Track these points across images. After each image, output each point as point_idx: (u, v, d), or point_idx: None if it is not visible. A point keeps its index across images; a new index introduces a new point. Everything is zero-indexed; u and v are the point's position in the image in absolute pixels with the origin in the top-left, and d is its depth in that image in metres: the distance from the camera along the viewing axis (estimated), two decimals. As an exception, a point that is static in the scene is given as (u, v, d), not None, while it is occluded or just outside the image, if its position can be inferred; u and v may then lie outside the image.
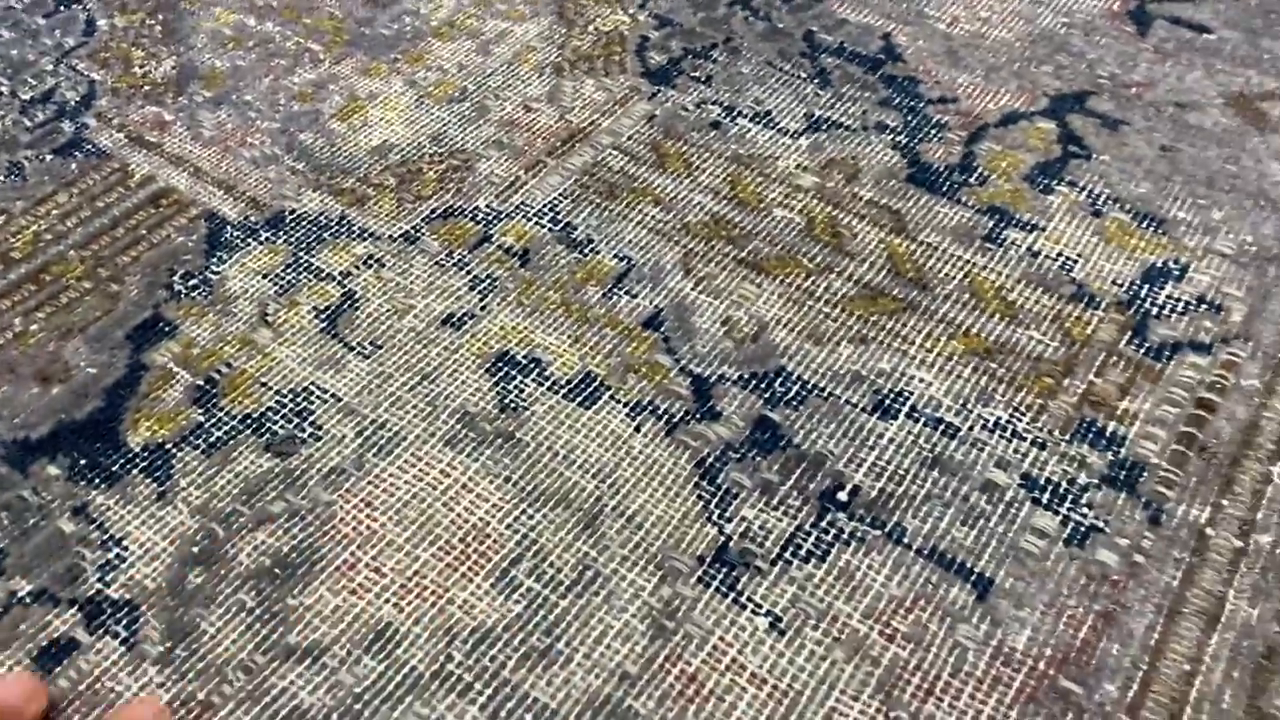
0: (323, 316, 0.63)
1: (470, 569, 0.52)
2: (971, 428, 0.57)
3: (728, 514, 0.53)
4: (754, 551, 0.52)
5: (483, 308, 0.63)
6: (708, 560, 0.52)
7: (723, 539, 0.52)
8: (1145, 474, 0.55)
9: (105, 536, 0.53)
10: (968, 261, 0.65)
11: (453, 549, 0.52)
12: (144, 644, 0.50)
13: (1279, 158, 0.71)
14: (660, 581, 0.51)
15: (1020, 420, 0.57)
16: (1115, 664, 0.48)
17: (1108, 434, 0.56)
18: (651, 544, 0.52)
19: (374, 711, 0.47)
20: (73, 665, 0.49)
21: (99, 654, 0.49)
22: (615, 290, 0.64)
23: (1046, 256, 0.65)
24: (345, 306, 0.63)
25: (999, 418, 0.57)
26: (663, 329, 0.62)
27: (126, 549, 0.53)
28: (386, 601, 0.51)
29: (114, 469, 0.56)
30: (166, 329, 0.62)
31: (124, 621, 0.50)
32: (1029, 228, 0.67)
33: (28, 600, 0.51)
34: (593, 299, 0.63)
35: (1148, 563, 0.51)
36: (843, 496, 0.54)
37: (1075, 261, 0.65)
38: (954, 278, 0.64)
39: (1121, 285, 0.64)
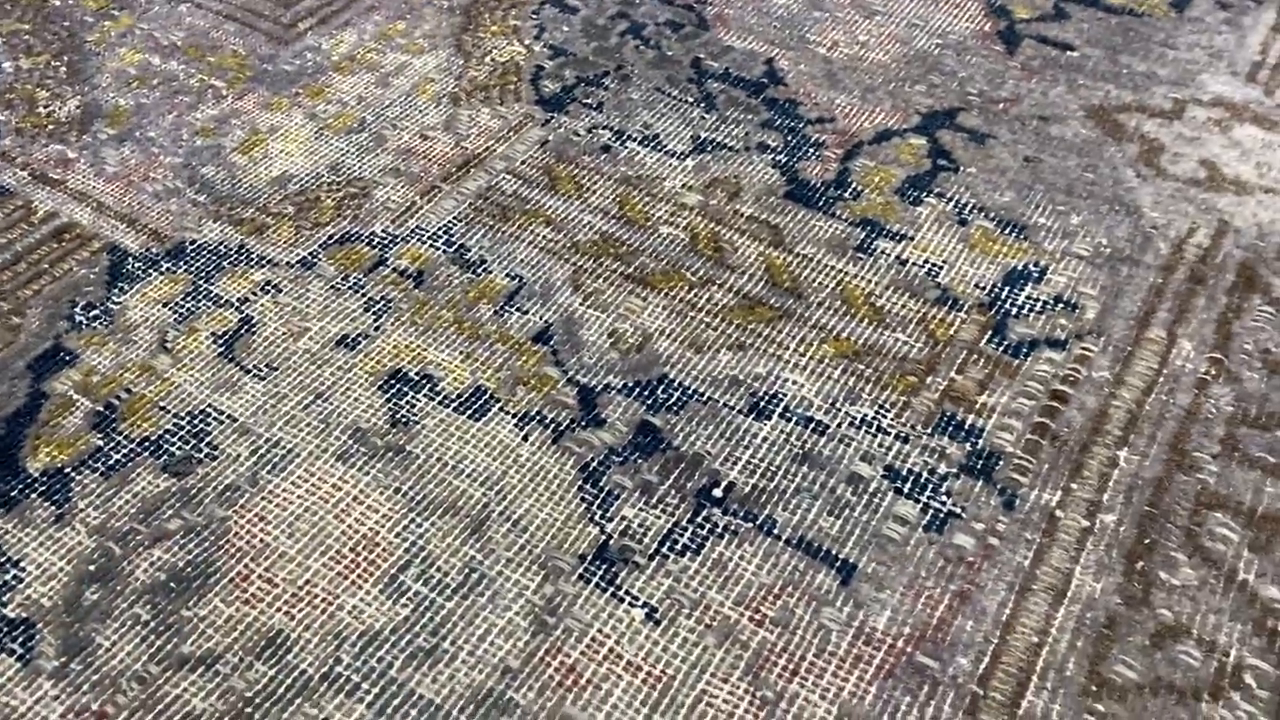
0: (221, 341, 0.65)
1: (360, 576, 0.54)
2: (840, 425, 0.60)
3: (609, 514, 0.56)
4: (633, 548, 0.55)
5: (376, 328, 0.66)
6: (589, 558, 0.54)
7: (604, 537, 0.55)
8: (1001, 463, 0.58)
9: (2, 559, 0.55)
10: (840, 270, 0.69)
11: (343, 558, 0.54)
12: (39, 659, 0.51)
13: (1133, 165, 0.76)
14: (543, 580, 0.54)
15: (885, 416, 0.60)
16: (969, 639, 0.51)
17: (966, 426, 0.60)
18: (536, 546, 0.55)
19: (265, 714, 0.49)
20: (-31, 684, 0.50)
21: (-5, 672, 0.51)
22: (507, 307, 0.67)
23: (914, 264, 0.69)
24: (243, 331, 0.65)
25: (865, 415, 0.61)
26: (551, 342, 0.65)
27: (24, 570, 0.54)
28: (278, 610, 0.53)
29: (12, 494, 0.57)
30: (67, 358, 0.64)
31: (20, 639, 0.52)
32: (898, 237, 0.71)
33: (-75, 624, 0.52)
34: (485, 316, 0.66)
35: (1001, 544, 0.55)
36: (718, 493, 0.57)
37: (941, 267, 0.69)
38: (827, 286, 0.68)
39: (984, 288, 0.67)
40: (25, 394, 0.62)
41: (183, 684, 0.50)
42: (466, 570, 0.54)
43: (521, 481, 0.58)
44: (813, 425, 0.60)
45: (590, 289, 0.68)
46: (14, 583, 0.54)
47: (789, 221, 0.72)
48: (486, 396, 0.62)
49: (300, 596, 0.53)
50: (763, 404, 0.61)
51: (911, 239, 0.71)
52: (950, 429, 0.60)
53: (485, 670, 0.50)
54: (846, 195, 0.74)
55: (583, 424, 0.60)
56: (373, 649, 0.51)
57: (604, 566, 0.54)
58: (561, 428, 0.60)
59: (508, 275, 0.69)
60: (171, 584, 0.54)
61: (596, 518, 0.56)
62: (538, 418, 0.61)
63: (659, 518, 0.56)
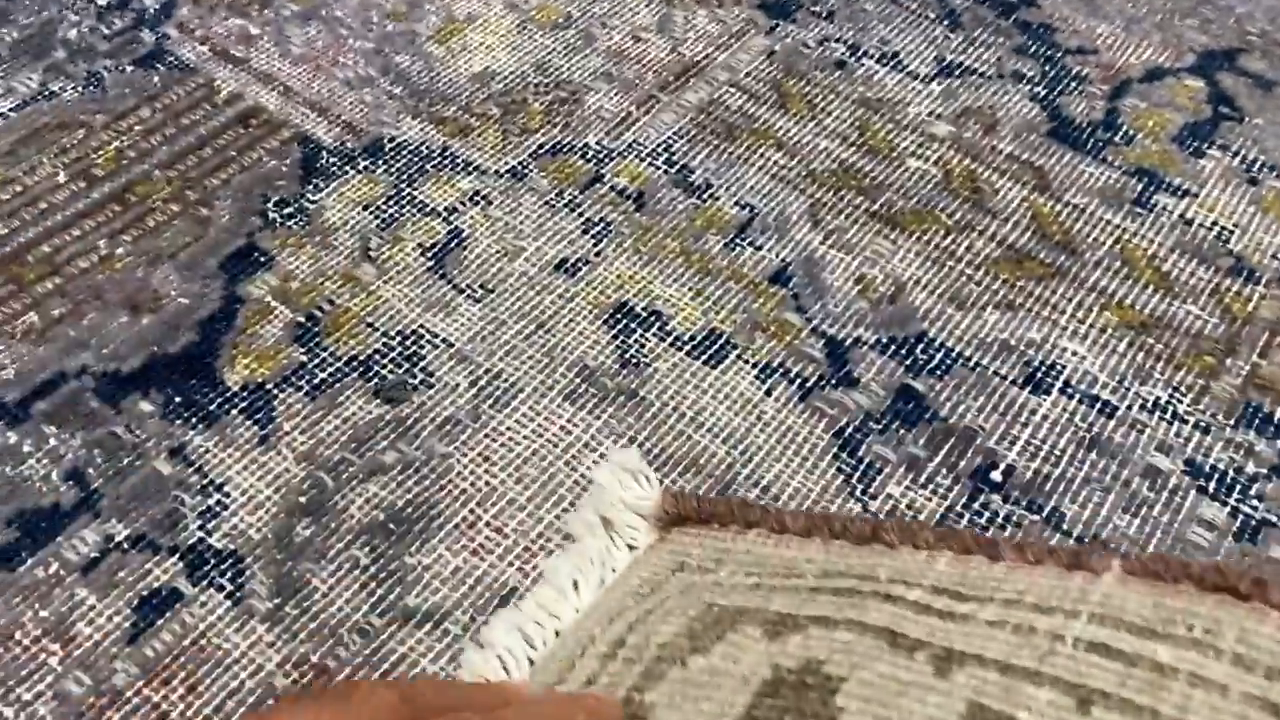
0: (429, 255, 0.59)
1: (598, 535, 0.48)
2: (1130, 407, 0.53)
3: (872, 490, 0.50)
4: (902, 531, 0.48)
5: (597, 253, 0.59)
6: (852, 538, 0.48)
7: (867, 515, 0.49)
8: (1318, 467, 0.51)
9: (205, 481, 0.50)
10: (1117, 226, 0.61)
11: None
12: (251, 599, 0.46)
13: None
14: (802, 559, 0.48)
15: (1181, 401, 0.53)
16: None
17: (1277, 421, 0.52)
18: (791, 518, 0.49)
19: (501, 685, 0.44)
20: (176, 619, 0.46)
21: (204, 607, 0.46)
22: (738, 241, 0.60)
23: (1200, 225, 0.61)
24: (452, 245, 0.59)
25: (1158, 397, 0.53)
26: (791, 284, 0.58)
27: (228, 495, 0.50)
28: (510, 565, 0.47)
29: (211, 408, 0.53)
30: (262, 259, 0.59)
31: (229, 574, 0.47)
32: (1181, 193, 0.62)
33: (125, 546, 0.48)
34: (714, 249, 0.59)
35: (1324, 563, 0.48)
36: (996, 476, 0.50)
37: (1232, 232, 0.61)
38: (1104, 243, 0.60)
39: (1282, 260, 0.59)
40: (219, 296, 0.57)
41: (409, 641, 0.45)
42: (714, 539, 0.48)
43: (768, 442, 0.51)
44: (1099, 405, 0.53)
45: (831, 226, 0.61)
46: (218, 509, 0.49)
47: (1054, 164, 0.64)
48: (722, 341, 0.55)
49: (534, 551, 0.48)
50: (1040, 376, 0.54)
51: (1196, 196, 0.62)
52: (1258, 422, 0.52)
53: (742, 657, 0.45)
54: (1117, 139, 0.65)
55: (833, 382, 0.54)
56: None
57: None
58: (809, 384, 0.54)
59: (737, 204, 0.62)
60: (391, 525, 0.49)
61: (858, 493, 0.50)
62: (781, 370, 0.54)
63: (930, 499, 0.49)
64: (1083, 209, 0.61)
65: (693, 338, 0.55)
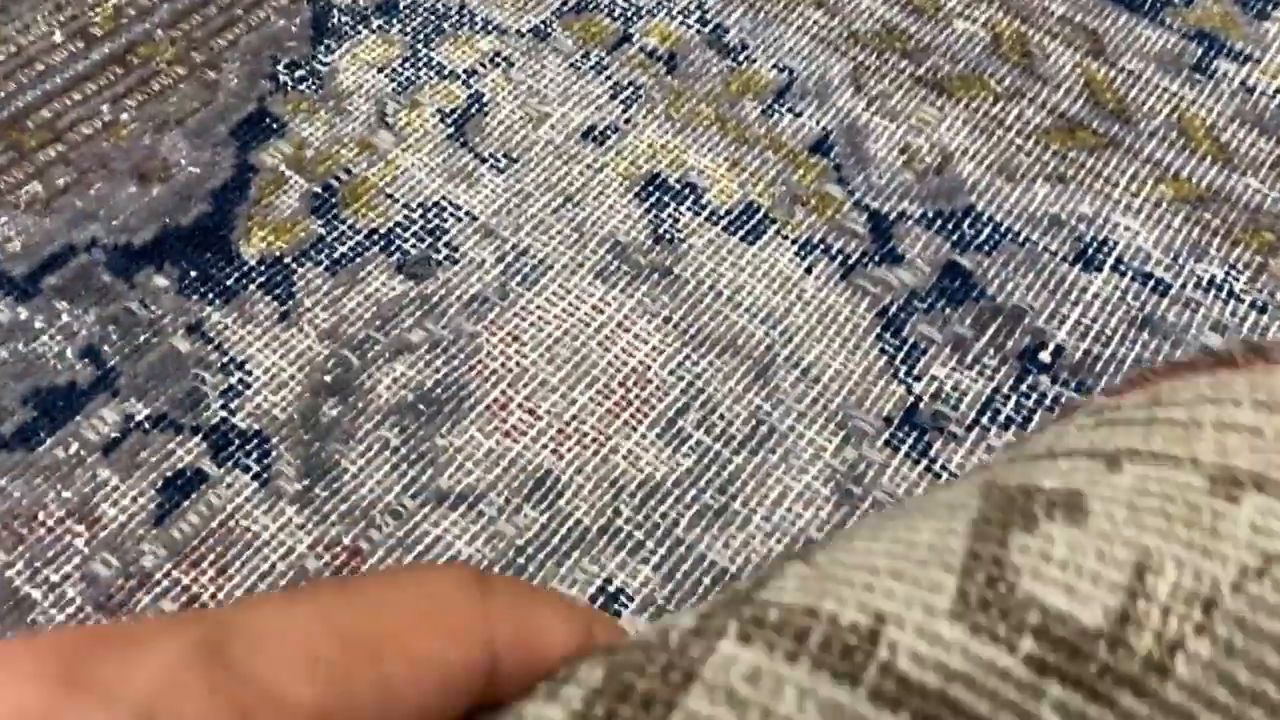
0: (449, 121, 0.56)
1: (633, 417, 0.47)
2: (1184, 285, 0.51)
3: (916, 372, 0.48)
4: (947, 415, 0.47)
5: (627, 120, 0.56)
6: (895, 422, 0.47)
7: (911, 399, 0.47)
8: (1378, 349, 0.49)
9: (225, 359, 0.48)
10: (1174, 94, 0.57)
11: (612, 393, 0.47)
12: (279, 480, 0.45)
13: None
14: (843, 442, 0.46)
15: (1237, 280, 0.51)
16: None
17: (1335, 301, 0.51)
18: (831, 400, 0.47)
19: (539, 566, 0.43)
20: (202, 500, 0.45)
21: (230, 489, 0.45)
22: (776, 106, 0.57)
23: (1263, 93, 0.58)
24: (473, 110, 0.56)
25: (1214, 275, 0.51)
26: (833, 155, 0.55)
27: (250, 374, 0.48)
28: (544, 447, 0.46)
29: (228, 283, 0.51)
30: (274, 126, 0.56)
31: (254, 454, 0.46)
32: (1242, 58, 0.59)
33: (147, 426, 0.47)
34: (751, 115, 0.56)
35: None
36: (1045, 357, 0.48)
37: (1295, 100, 0.57)
38: (1160, 112, 0.57)
39: (1347, 130, 0.56)
40: (231, 165, 0.54)
41: (443, 523, 0.44)
42: (753, 421, 0.47)
43: (809, 322, 0.50)
44: (1152, 283, 0.51)
45: (875, 91, 0.57)
46: (241, 388, 0.48)
47: (1109, 26, 0.60)
48: (760, 215, 0.53)
49: (567, 434, 0.46)
50: (1091, 252, 0.52)
51: (1258, 62, 0.59)
52: (1315, 302, 0.50)
53: (783, 539, 0.44)
54: (1176, 0, 0.61)
55: (876, 259, 0.52)
56: (655, 502, 0.45)
57: (914, 433, 0.47)
58: (851, 261, 0.51)
59: (775, 66, 0.58)
60: (420, 406, 0.47)
61: (901, 375, 0.48)
62: (822, 246, 0.52)
63: (976, 381, 0.48)
64: (1138, 75, 0.58)
65: (729, 211, 0.53)
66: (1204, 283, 0.51)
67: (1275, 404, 0.28)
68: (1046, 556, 0.23)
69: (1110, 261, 0.51)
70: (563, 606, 0.23)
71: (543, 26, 0.60)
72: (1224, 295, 0.51)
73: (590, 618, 0.23)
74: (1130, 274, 0.51)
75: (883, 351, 0.49)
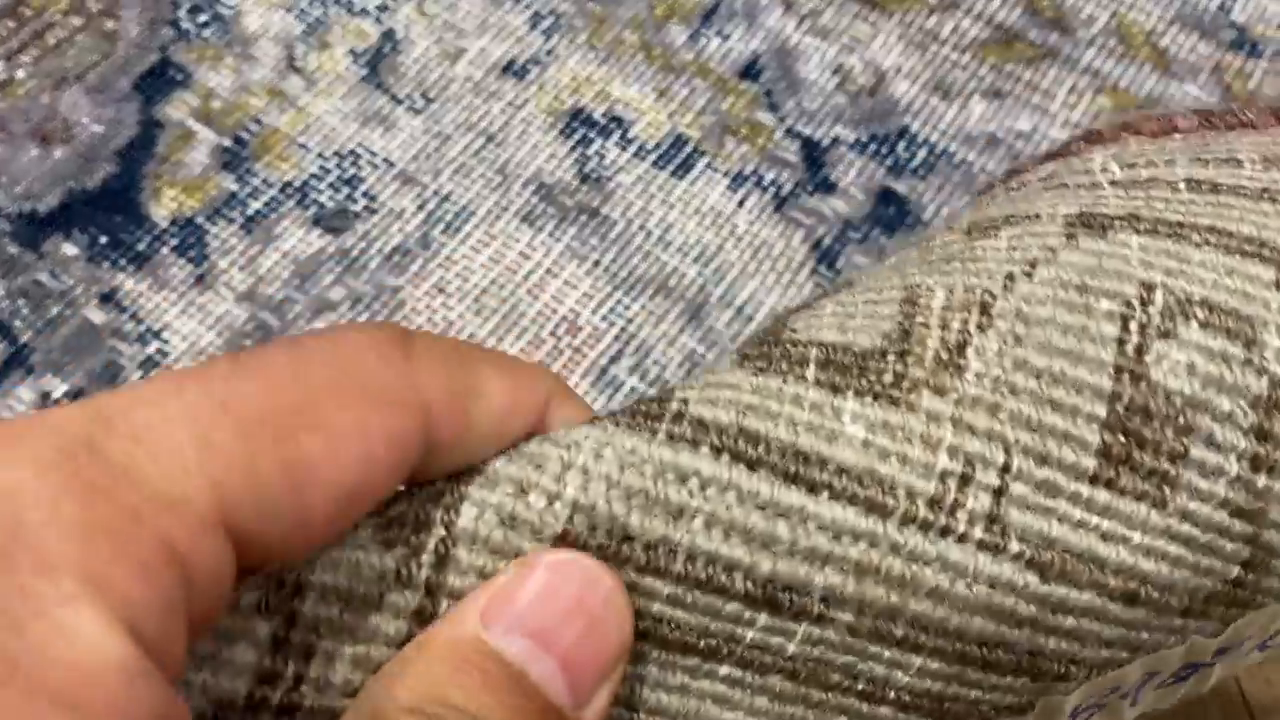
0: (361, 61, 0.53)
1: (565, 366, 0.46)
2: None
3: (851, 304, 0.47)
4: (883, 347, 0.46)
5: (548, 52, 0.54)
6: (831, 357, 0.46)
7: (847, 333, 0.47)
8: (1317, 257, 0.49)
9: (142, 328, 0.47)
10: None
11: (543, 343, 0.46)
12: (204, 451, 0.44)
13: None
14: (779, 381, 0.46)
15: (1176, 193, 0.50)
16: None
17: (1274, 209, 0.50)
18: (767, 338, 0.46)
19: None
20: (127, 475, 0.44)
21: (155, 463, 0.44)
22: (703, 30, 0.54)
23: (1204, -8, 0.56)
24: (386, 50, 0.54)
25: (1153, 190, 0.50)
26: (762, 79, 0.53)
27: (168, 342, 0.47)
28: (473, 404, 0.45)
29: (140, 247, 0.49)
30: (179, 77, 0.53)
31: (177, 426, 0.45)
32: (1184, -45, 0.57)
33: (65, 402, 0.45)
34: (677, 41, 0.54)
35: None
36: (981, 284, 0.48)
37: (1235, 0, 0.56)
38: (1098, 19, 0.55)
39: (1289, 28, 0.55)
40: (136, 121, 0.52)
41: (374, 488, 0.43)
42: (688, 365, 0.46)
43: (742, 259, 0.48)
44: (1090, 201, 0.50)
45: (805, 9, 0.55)
46: (159, 357, 0.46)
47: (1046, -71, 0.58)
48: (690, 148, 0.51)
49: (497, 389, 0.45)
50: (1028, 171, 0.50)
51: (1200, -41, 0.57)
52: (1255, 212, 0.50)
53: (720, 487, 0.44)
54: (1116, -105, 0.59)
55: (809, 189, 0.50)
56: (588, 456, 0.44)
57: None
58: (784, 193, 0.50)
59: (700, -12, 0.56)
60: (344, 367, 0.46)
61: (837, 307, 0.47)
62: (754, 178, 0.50)
63: (912, 311, 0.47)
64: (1077, -21, 0.56)
65: (657, 145, 0.51)
66: (1143, 197, 0.50)
67: (1068, 172, 0.30)
68: (818, 315, 0.25)
69: (1048, 180, 0.50)
70: (504, 362, 0.21)
71: (457, -45, 0.57)
72: (1163, 209, 0.49)
73: (535, 374, 0.21)
74: (1068, 192, 0.50)
75: (818, 285, 0.48)
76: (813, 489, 0.21)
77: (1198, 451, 0.23)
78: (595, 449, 0.21)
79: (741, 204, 0.50)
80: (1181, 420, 0.23)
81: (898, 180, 0.50)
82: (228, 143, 0.51)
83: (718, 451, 0.21)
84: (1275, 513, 0.24)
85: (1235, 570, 0.24)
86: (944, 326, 0.24)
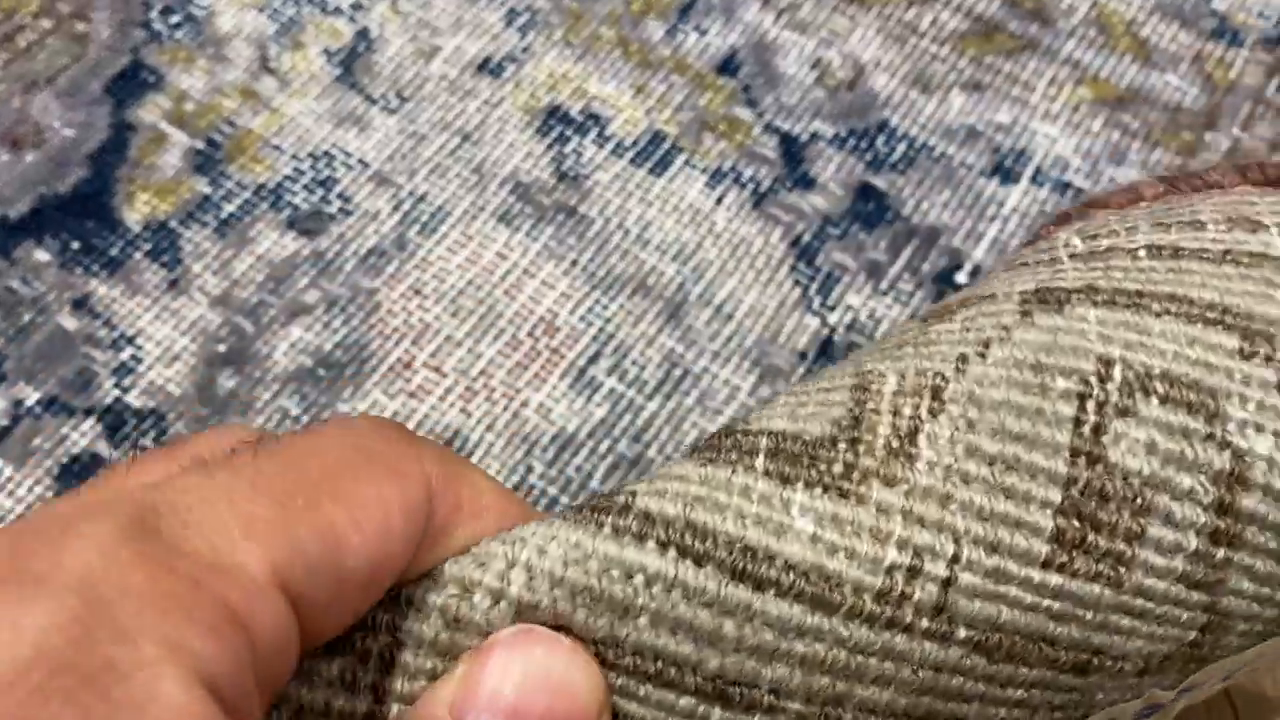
0: (335, 61, 0.53)
1: (543, 368, 0.45)
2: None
3: (830, 301, 0.47)
4: (862, 345, 0.46)
5: (524, 49, 0.53)
6: (810, 356, 0.46)
7: (826, 331, 0.46)
8: (1299, 247, 0.48)
9: (115, 334, 0.46)
10: (1094, -12, 0.55)
11: (520, 344, 0.46)
12: (179, 458, 0.44)
13: None
14: (759, 380, 0.45)
15: (1157, 184, 0.50)
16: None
17: (1256, 200, 0.49)
18: (745, 338, 0.46)
19: (451, 533, 0.42)
20: (101, 484, 0.43)
21: (129, 470, 0.43)
22: (680, 25, 0.54)
23: (1185, -19, 0.55)
24: (361, 49, 0.53)
25: (1134, 179, 0.50)
26: (740, 75, 0.53)
27: (141, 348, 0.46)
28: (452, 406, 0.45)
29: (113, 253, 0.48)
30: (151, 79, 0.52)
31: (151, 433, 0.44)
32: (1164, -56, 0.57)
33: (38, 410, 0.45)
34: (655, 36, 0.54)
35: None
36: (961, 278, 0.47)
37: (1218, -13, 0.55)
38: (1079, 9, 0.54)
39: (1269, 18, 0.54)
40: (108, 124, 0.51)
41: (350, 493, 0.43)
42: (666, 365, 0.46)
43: (720, 257, 0.48)
44: (1071, 193, 0.49)
45: (784, 2, 0.55)
46: (133, 364, 0.46)
47: (1026, -81, 0.57)
48: (668, 145, 0.51)
49: (475, 390, 0.45)
50: (1009, 163, 0.50)
51: (1180, -53, 0.57)
52: (1236, 202, 0.49)
53: (700, 487, 0.43)
54: (1096, -116, 0.59)
55: (788, 184, 0.50)
56: (568, 455, 0.44)
57: (829, 366, 0.45)
58: (763, 189, 0.50)
59: (678, -18, 0.55)
60: (320, 370, 0.45)
61: (815, 306, 0.47)
62: (733, 175, 0.50)
63: (891, 307, 0.47)
64: (1057, -31, 0.56)
65: (635, 142, 0.51)
66: (1123, 189, 0.49)
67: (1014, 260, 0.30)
68: (771, 406, 0.25)
69: (1028, 172, 0.50)
70: (487, 476, 0.22)
71: (431, -48, 0.56)
72: (1144, 201, 0.49)
73: (511, 495, 0.22)
74: (1048, 184, 0.50)
75: (796, 283, 0.47)
76: (760, 586, 0.21)
77: (1155, 530, 0.23)
78: (540, 545, 0.21)
79: (720, 201, 0.49)
80: (1139, 501, 0.23)
81: (877, 175, 0.50)
82: (200, 145, 0.51)
83: (664, 546, 0.21)
84: (1234, 581, 0.24)
85: (1192, 634, 0.24)
86: (895, 413, 0.23)
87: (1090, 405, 0.23)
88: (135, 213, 0.49)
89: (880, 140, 0.51)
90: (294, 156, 0.50)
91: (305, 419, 0.44)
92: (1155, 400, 0.23)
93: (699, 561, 0.21)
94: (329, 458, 0.19)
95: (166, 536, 0.16)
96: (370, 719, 0.20)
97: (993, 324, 0.25)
